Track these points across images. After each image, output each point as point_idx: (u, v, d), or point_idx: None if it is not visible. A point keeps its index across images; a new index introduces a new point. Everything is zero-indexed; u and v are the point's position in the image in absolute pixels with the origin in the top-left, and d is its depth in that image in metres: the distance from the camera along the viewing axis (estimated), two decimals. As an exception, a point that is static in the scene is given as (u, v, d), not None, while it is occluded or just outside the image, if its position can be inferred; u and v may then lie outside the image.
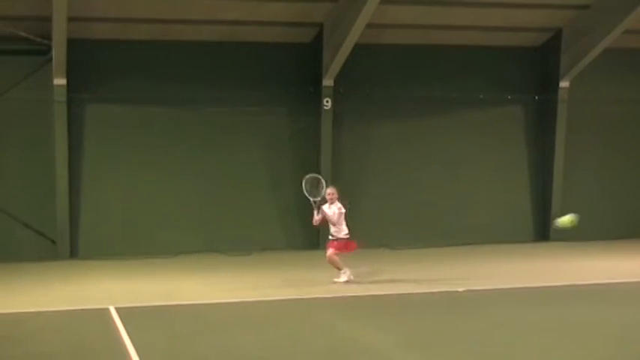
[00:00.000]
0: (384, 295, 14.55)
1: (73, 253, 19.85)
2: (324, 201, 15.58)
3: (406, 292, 14.76)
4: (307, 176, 15.94)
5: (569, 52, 21.57)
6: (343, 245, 15.48)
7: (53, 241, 19.74)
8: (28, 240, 19.71)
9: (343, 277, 15.39)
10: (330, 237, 15.54)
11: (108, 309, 13.09)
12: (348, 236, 15.54)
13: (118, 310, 12.97)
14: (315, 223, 15.72)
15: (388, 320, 12.39)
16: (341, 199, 15.51)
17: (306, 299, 14.11)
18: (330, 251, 15.42)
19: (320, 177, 16.16)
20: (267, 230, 20.88)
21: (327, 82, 20.65)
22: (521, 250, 20.64)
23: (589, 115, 22.55)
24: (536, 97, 22.37)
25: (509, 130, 22.57)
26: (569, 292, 14.79)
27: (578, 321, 12.27)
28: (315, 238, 21.04)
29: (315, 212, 15.49)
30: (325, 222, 15.61)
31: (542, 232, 22.62)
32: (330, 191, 15.49)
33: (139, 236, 20.19)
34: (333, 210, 15.36)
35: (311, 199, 15.60)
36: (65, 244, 19.70)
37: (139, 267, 18.29)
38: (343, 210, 15.43)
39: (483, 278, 16.28)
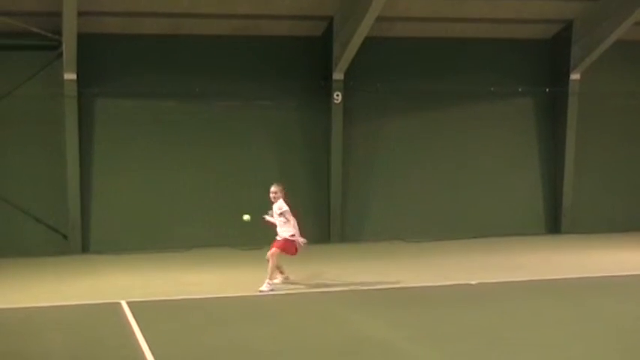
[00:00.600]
0: (396, 288, 14.55)
1: (85, 248, 19.88)
2: None
3: (418, 284, 14.76)
4: None
5: (579, 44, 21.48)
6: (283, 244, 14.25)
7: (65, 236, 19.78)
8: (40, 235, 19.74)
9: (266, 287, 14.12)
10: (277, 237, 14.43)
11: (120, 303, 13.13)
12: (293, 238, 14.27)
13: (129, 304, 13.02)
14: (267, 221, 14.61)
15: (400, 313, 12.40)
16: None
17: (317, 293, 14.12)
18: (272, 250, 14.23)
19: None
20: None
21: (338, 75, 20.61)
22: (533, 243, 20.59)
23: (600, 108, 22.46)
24: (547, 90, 22.28)
25: (520, 122, 22.50)
26: (581, 284, 14.77)
27: (589, 313, 12.26)
28: (326, 231, 21.05)
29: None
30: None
31: (554, 224, 22.57)
32: (272, 189, 14.42)
33: (150, 230, 20.21)
34: (274, 210, 14.35)
35: None
36: (77, 238, 19.74)
37: (150, 261, 18.31)
38: (285, 208, 14.20)
39: (496, 271, 16.26)
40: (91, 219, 19.98)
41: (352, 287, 14.58)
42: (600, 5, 20.75)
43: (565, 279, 15.26)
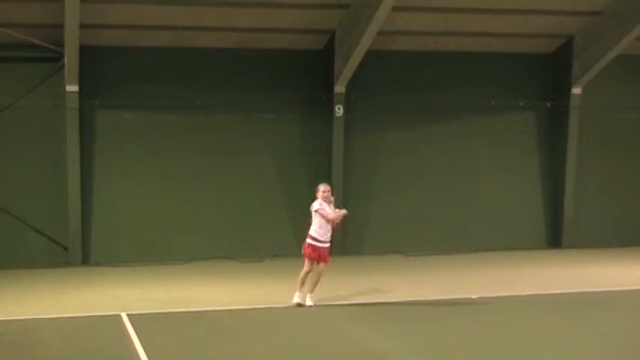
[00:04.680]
0: (396, 301, 14.52)
1: (85, 260, 19.85)
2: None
3: (418, 299, 14.73)
4: None
5: (581, 59, 21.50)
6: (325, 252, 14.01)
7: (65, 248, 19.75)
8: (40, 246, 19.71)
9: (301, 299, 14.01)
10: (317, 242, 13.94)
11: (120, 315, 13.12)
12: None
13: (129, 316, 13.01)
14: (335, 219, 13.97)
15: (400, 327, 12.37)
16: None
17: (317, 306, 14.07)
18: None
19: None
20: (278, 237, 20.84)
21: (339, 88, 20.63)
22: (534, 257, 20.55)
23: (601, 122, 22.45)
24: (548, 104, 22.29)
25: (521, 136, 22.47)
26: (581, 299, 14.75)
27: (590, 328, 12.24)
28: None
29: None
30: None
31: (555, 238, 22.54)
32: (327, 188, 13.98)
33: (150, 242, 20.18)
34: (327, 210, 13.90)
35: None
36: (77, 250, 19.71)
37: (150, 273, 18.27)
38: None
39: (496, 285, 16.23)
40: (92, 231, 19.96)
41: (352, 301, 14.55)
42: (601, 20, 20.77)
43: (566, 293, 15.23)
